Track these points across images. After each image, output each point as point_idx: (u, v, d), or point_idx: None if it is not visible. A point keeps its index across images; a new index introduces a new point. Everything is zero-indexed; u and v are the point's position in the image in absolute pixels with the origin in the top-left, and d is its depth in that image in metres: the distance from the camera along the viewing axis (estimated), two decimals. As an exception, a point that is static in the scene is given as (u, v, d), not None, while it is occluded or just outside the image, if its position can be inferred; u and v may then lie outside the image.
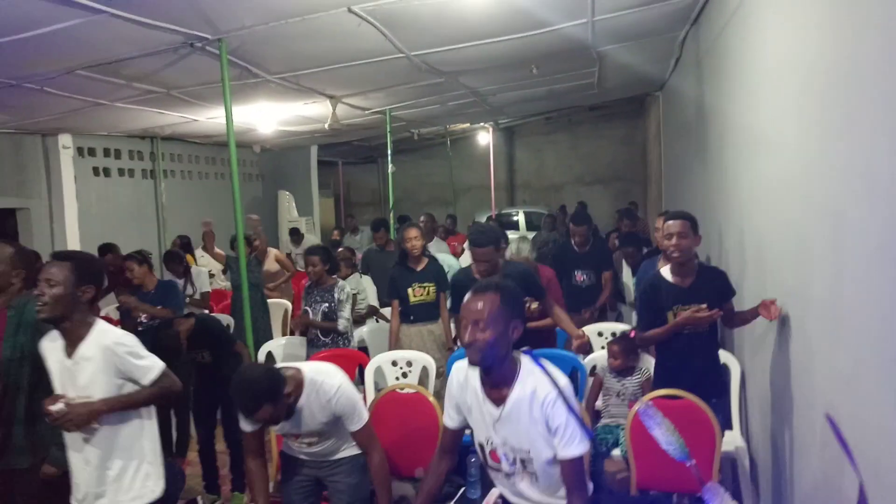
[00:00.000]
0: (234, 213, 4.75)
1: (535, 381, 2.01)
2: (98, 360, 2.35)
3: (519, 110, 11.12)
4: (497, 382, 2.05)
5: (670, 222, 3.08)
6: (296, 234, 10.01)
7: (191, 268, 6.20)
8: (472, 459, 2.62)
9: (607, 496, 3.12)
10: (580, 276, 5.51)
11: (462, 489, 3.06)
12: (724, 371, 3.43)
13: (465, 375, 2.14)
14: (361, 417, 2.65)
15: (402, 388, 3.55)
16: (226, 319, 5.48)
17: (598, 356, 3.98)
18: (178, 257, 6.09)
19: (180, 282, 5.90)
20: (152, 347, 3.65)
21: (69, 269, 2.34)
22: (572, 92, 8.55)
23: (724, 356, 3.50)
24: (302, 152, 11.78)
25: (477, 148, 14.30)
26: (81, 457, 2.40)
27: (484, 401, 2.07)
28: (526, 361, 2.07)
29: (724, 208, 4.17)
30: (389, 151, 8.15)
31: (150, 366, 2.41)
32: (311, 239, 10.42)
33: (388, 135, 8.24)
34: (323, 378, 2.59)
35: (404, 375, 4.09)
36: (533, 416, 1.99)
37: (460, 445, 2.32)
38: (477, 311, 1.97)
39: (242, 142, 9.06)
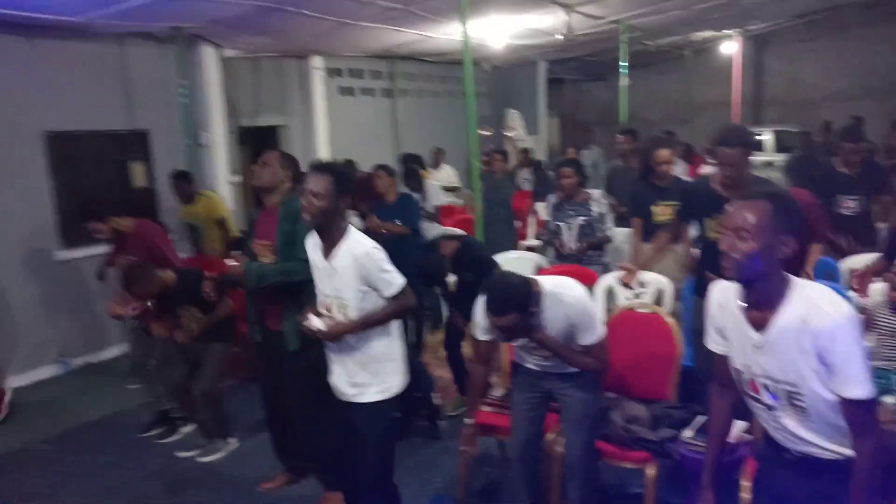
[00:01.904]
0: (467, 131, 4.78)
1: (807, 307, 1.73)
2: (350, 267, 2.52)
3: (774, 12, 9.79)
4: (759, 303, 1.80)
5: None
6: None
7: (424, 182, 6.48)
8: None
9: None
10: (847, 203, 4.75)
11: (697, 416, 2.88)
12: None
13: (724, 295, 1.92)
14: (597, 331, 2.58)
15: (637, 308, 3.39)
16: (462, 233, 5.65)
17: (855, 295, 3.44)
18: (413, 172, 6.39)
19: (417, 195, 6.20)
20: (420, 271, 3.95)
21: (330, 181, 2.50)
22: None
23: None
24: (530, 70, 11.57)
25: (719, 60, 12.93)
26: (337, 356, 2.65)
27: (743, 323, 1.85)
28: (799, 284, 1.79)
29: None
30: (623, 64, 7.65)
31: (393, 280, 2.55)
32: (538, 158, 10.35)
33: (623, 45, 7.72)
34: (562, 290, 2.55)
35: (636, 297, 3.91)
36: (802, 346, 1.72)
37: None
38: (741, 218, 1.73)
39: (472, 59, 9.11)
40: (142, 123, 6.18)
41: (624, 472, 3.28)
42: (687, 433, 2.83)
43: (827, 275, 3.96)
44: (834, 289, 3.64)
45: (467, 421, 2.96)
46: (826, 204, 4.54)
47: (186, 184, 5.78)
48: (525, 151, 9.97)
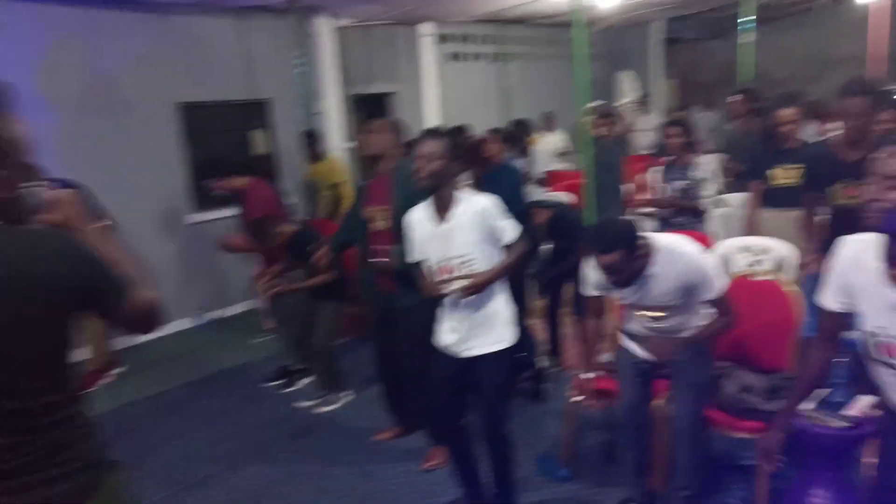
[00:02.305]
0: (576, 94, 4.68)
1: None
2: (471, 223, 2.61)
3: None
4: None
5: None
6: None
7: (528, 148, 6.45)
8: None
9: None
10: None
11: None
12: None
13: (857, 251, 1.80)
14: (718, 284, 2.50)
15: (754, 275, 3.24)
16: (569, 198, 5.59)
17: None
18: (515, 138, 6.38)
19: (520, 161, 6.19)
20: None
21: (443, 144, 2.59)
22: None
23: None
24: (643, 30, 11.09)
25: (855, 11, 11.83)
26: (453, 313, 2.72)
27: (884, 282, 1.73)
28: None
29: None
30: (747, 18, 7.17)
31: (511, 227, 2.64)
32: (650, 120, 9.96)
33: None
34: (675, 246, 2.49)
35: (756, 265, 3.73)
36: None
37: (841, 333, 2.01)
38: (894, 166, 1.63)
39: (583, 20, 8.83)
40: (262, 93, 6.50)
41: (735, 443, 3.20)
42: (806, 405, 2.70)
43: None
44: None
45: (584, 375, 2.92)
46: None
47: (316, 143, 6.14)
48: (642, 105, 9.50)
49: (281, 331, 4.59)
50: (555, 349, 4.44)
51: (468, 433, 2.87)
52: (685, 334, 2.64)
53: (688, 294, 2.51)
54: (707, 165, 4.33)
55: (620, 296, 2.67)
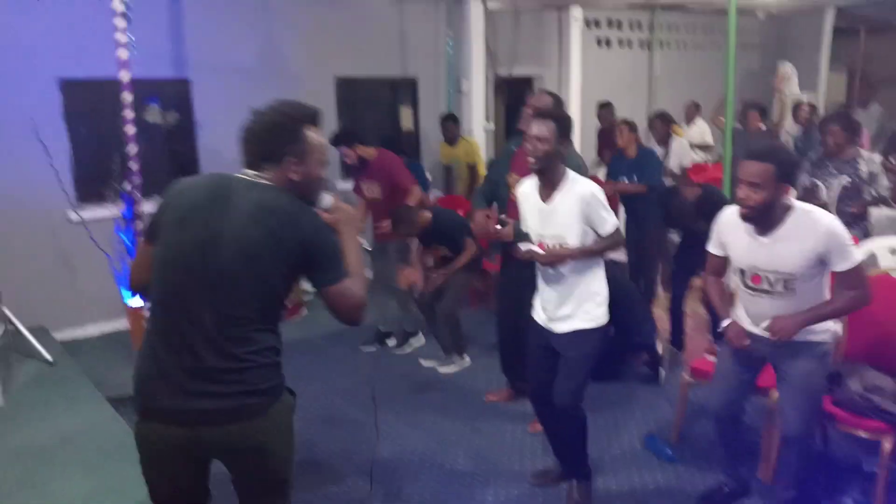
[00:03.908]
0: (725, 85, 4.54)
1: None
2: (573, 206, 2.66)
3: None
4: None
5: None
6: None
7: (672, 138, 6.30)
8: None
9: None
10: None
11: None
12: None
13: None
14: (854, 255, 2.36)
15: (897, 273, 3.08)
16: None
17: None
18: (657, 128, 6.26)
19: (660, 150, 6.08)
20: (665, 211, 4.07)
21: (553, 126, 2.64)
22: None
23: None
24: (813, 19, 10.32)
25: None
26: (547, 286, 2.81)
27: None
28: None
29: None
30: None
31: (610, 218, 2.67)
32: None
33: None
34: (813, 210, 2.41)
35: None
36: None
37: None
38: None
39: (744, 7, 8.41)
40: (412, 71, 6.84)
41: (855, 442, 3.07)
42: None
43: None
44: None
45: (725, 324, 2.68)
46: None
47: (454, 126, 6.39)
48: (809, 107, 8.91)
49: (409, 296, 4.87)
50: (677, 339, 4.40)
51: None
52: (812, 312, 2.44)
53: (820, 262, 2.37)
54: (874, 159, 4.13)
55: (742, 252, 2.54)
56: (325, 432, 3.68)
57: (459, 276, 4.40)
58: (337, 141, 4.64)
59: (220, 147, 5.20)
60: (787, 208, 2.41)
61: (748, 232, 2.49)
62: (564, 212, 2.69)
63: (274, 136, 1.77)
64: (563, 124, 2.69)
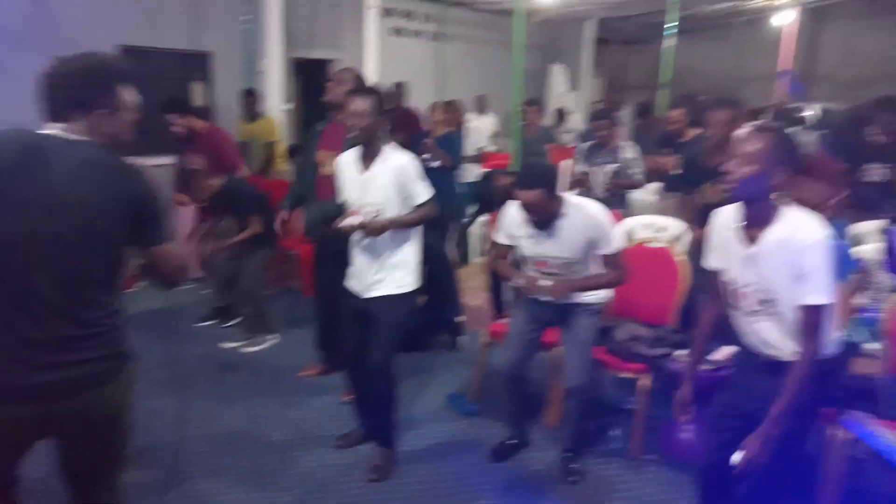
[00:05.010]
0: (513, 81, 5.01)
1: (794, 226, 2.04)
2: (388, 176, 2.86)
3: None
4: (754, 222, 2.11)
5: None
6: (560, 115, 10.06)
7: (465, 125, 6.77)
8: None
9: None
10: (875, 170, 4.96)
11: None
12: None
13: (725, 217, 2.23)
14: (616, 241, 2.82)
15: (650, 243, 3.70)
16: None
17: (863, 249, 3.70)
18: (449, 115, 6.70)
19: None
20: (482, 198, 4.34)
21: (372, 102, 2.83)
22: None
23: None
24: (578, 26, 11.61)
25: (770, 32, 12.77)
26: (361, 256, 2.98)
27: (737, 240, 2.15)
28: (790, 207, 2.09)
29: None
30: (670, 25, 7.73)
31: (424, 190, 2.91)
32: (577, 117, 10.48)
33: (674, 7, 7.78)
34: (583, 202, 2.84)
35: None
36: (784, 260, 2.04)
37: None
38: (745, 144, 2.05)
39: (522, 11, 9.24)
40: (205, 45, 6.53)
41: (623, 390, 3.66)
42: (681, 352, 3.16)
43: (835, 235, 4.21)
44: (839, 248, 3.95)
45: (518, 281, 2.96)
46: (853, 171, 4.77)
47: (255, 102, 6.23)
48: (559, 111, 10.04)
49: (209, 275, 4.75)
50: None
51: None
52: (582, 280, 2.91)
53: (588, 247, 2.83)
54: (632, 147, 4.82)
55: (529, 244, 2.92)
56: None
57: (257, 253, 4.38)
58: (169, 108, 4.42)
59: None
60: (561, 204, 2.80)
61: (532, 227, 2.85)
62: (381, 182, 2.86)
63: (86, 82, 1.68)
64: (380, 102, 2.87)
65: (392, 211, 2.87)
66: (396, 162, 2.87)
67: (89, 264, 1.64)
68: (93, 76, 1.69)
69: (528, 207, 2.76)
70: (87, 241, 1.63)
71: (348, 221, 2.88)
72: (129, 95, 1.77)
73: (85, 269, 1.64)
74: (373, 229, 2.84)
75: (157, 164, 5.56)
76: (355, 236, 2.97)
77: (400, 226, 2.90)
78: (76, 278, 1.62)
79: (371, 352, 2.95)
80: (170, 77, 6.46)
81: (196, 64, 6.63)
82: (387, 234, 2.87)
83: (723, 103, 4.56)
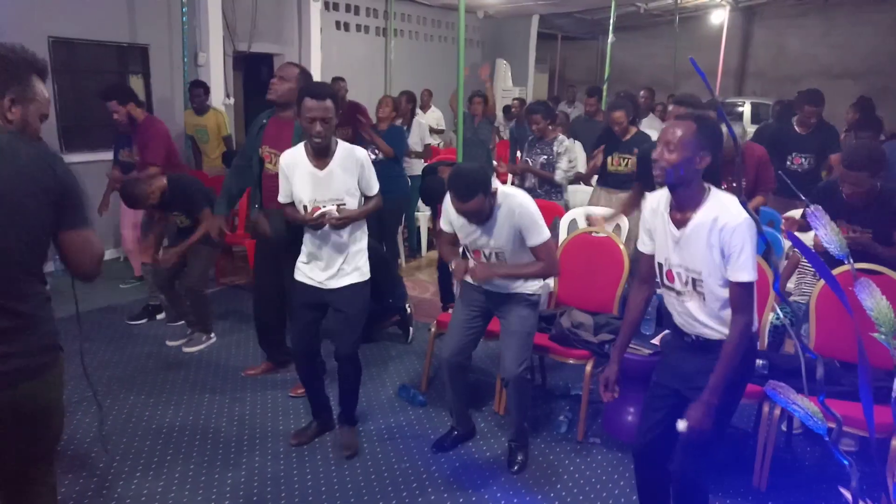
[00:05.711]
0: (458, 75, 5.04)
1: (719, 208, 2.14)
2: (349, 170, 2.95)
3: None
4: (682, 205, 2.20)
5: None
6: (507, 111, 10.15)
7: (413, 120, 6.79)
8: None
9: (778, 358, 3.18)
10: (797, 160, 5.21)
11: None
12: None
13: (655, 202, 2.32)
14: (544, 232, 2.86)
15: (593, 232, 3.80)
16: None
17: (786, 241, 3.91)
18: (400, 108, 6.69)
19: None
20: (425, 191, 4.42)
21: (333, 105, 2.85)
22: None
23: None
24: (523, 22, 11.75)
25: (708, 29, 13.22)
26: (320, 249, 3.00)
27: (668, 222, 2.24)
28: (715, 191, 2.19)
29: None
30: (611, 21, 7.91)
31: (375, 183, 3.06)
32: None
33: (613, 4, 7.95)
34: (512, 192, 2.89)
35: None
36: (710, 241, 2.13)
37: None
38: (669, 132, 2.14)
39: (467, 6, 9.27)
40: (142, 38, 6.36)
41: (568, 377, 3.75)
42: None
43: (768, 223, 4.40)
44: (772, 235, 4.13)
45: (453, 265, 2.99)
46: (779, 160, 4.99)
47: (204, 94, 6.08)
48: (519, 101, 10.11)
49: (151, 269, 4.63)
50: (446, 296, 4.68)
51: (319, 360, 3.21)
52: (508, 267, 2.95)
53: (518, 238, 2.86)
54: (563, 142, 4.88)
55: (464, 234, 2.97)
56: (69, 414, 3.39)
57: (202, 250, 4.28)
58: (109, 94, 4.28)
59: None
60: (495, 196, 2.84)
61: (467, 221, 2.90)
62: (340, 175, 2.93)
63: None
64: (336, 101, 2.92)
65: (354, 204, 2.98)
66: (356, 156, 2.97)
67: (21, 255, 1.61)
68: (6, 64, 1.67)
69: (469, 215, 2.81)
70: (16, 231, 1.59)
71: (318, 214, 2.89)
72: (42, 89, 1.75)
73: (17, 260, 1.60)
74: (341, 221, 2.90)
75: (93, 161, 5.47)
76: (311, 230, 2.98)
77: (361, 216, 3.01)
78: (8, 272, 1.59)
79: (340, 340, 3.05)
80: (106, 70, 6.27)
81: (133, 57, 6.44)
82: (351, 226, 2.98)
83: (617, 106, 4.73)
